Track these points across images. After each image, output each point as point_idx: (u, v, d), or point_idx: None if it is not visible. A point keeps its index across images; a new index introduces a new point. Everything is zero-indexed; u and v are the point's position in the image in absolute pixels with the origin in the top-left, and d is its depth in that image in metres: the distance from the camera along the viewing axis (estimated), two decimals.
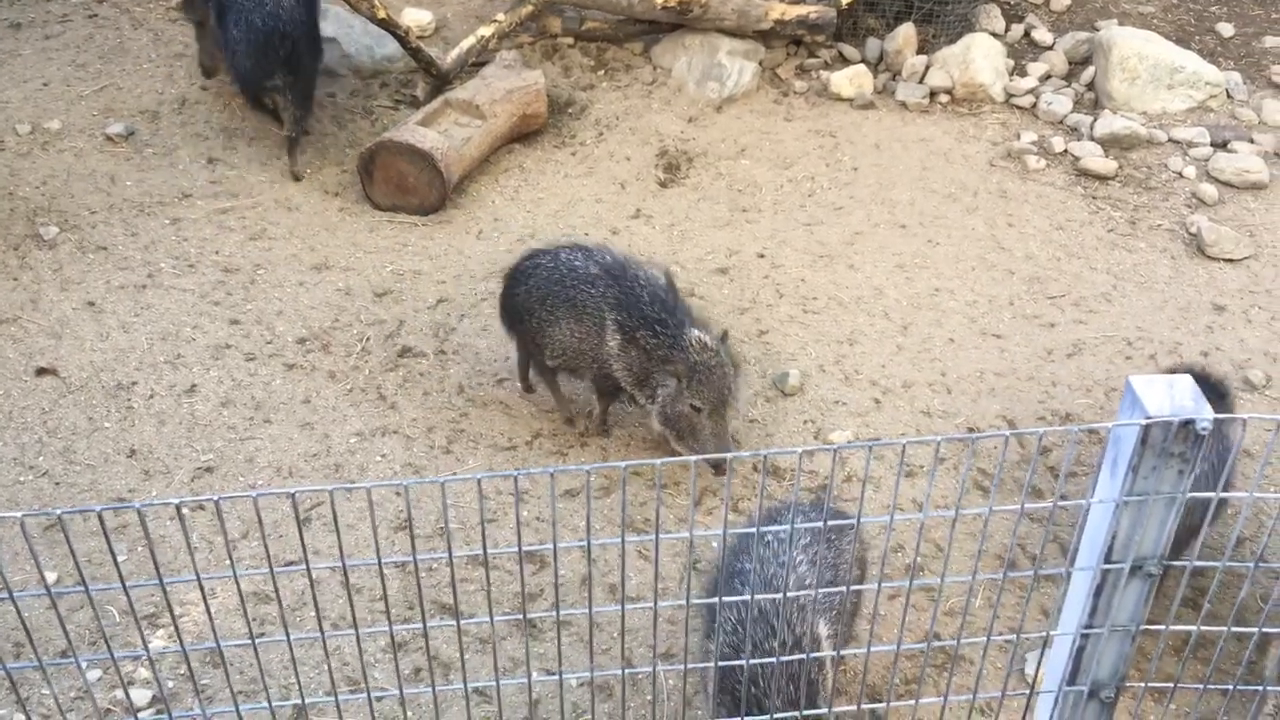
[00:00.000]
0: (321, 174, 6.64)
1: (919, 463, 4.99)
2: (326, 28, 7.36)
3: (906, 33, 7.66)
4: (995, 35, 7.85)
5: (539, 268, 4.99)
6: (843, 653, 3.49)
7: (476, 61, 7.29)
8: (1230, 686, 2.51)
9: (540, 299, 4.95)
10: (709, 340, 4.71)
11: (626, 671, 3.87)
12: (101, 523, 1.84)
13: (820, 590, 3.50)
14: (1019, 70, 7.70)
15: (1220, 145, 7.04)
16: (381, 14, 6.75)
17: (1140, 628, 2.24)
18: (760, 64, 7.59)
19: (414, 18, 7.74)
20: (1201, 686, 2.61)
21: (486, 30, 7.36)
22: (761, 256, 6.18)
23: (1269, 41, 8.09)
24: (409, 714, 3.93)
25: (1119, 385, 5.32)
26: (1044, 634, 2.39)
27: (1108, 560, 2.17)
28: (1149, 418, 2.02)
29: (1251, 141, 7.07)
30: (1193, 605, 4.32)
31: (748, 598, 3.20)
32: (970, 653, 4.17)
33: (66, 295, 5.67)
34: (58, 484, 4.73)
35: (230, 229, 6.17)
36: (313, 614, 4.22)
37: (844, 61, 7.74)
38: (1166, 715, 3.94)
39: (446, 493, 4.68)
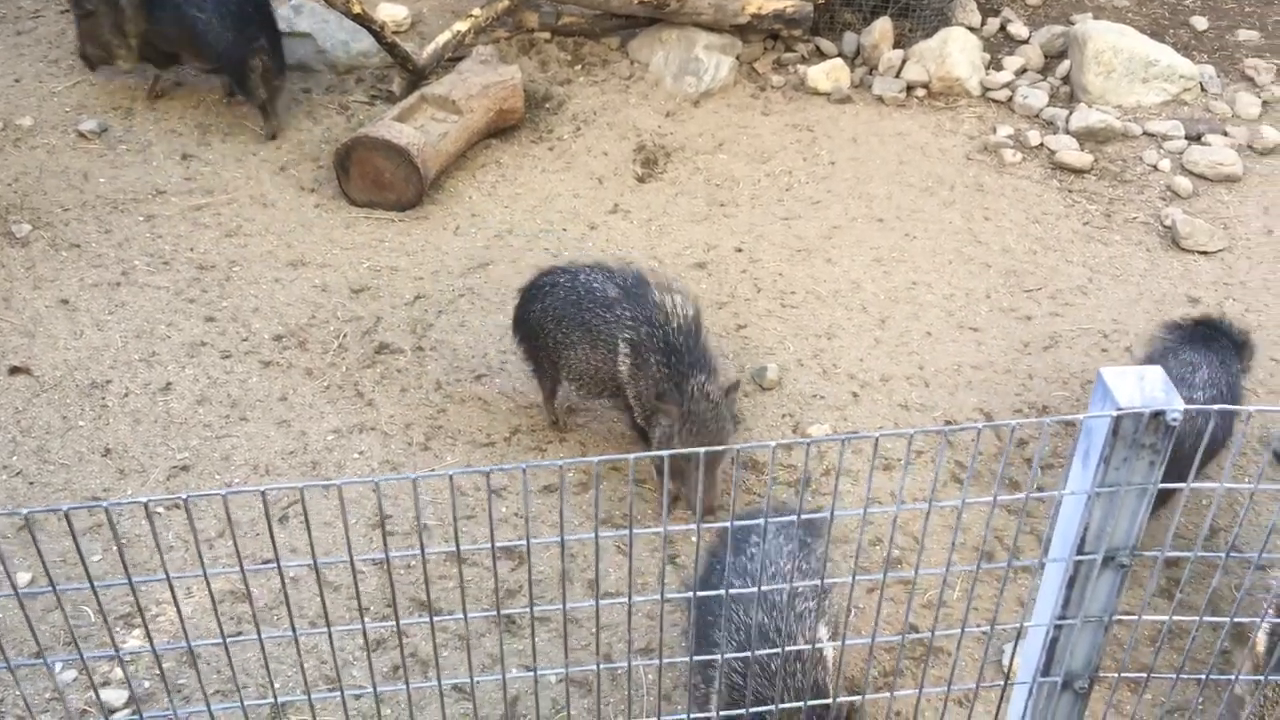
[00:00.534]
0: (297, 170, 6.61)
1: (896, 456, 5.00)
2: (301, 23, 7.34)
3: (883, 27, 7.68)
4: (971, 29, 7.88)
5: (556, 286, 4.85)
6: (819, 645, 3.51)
7: (453, 57, 7.26)
8: (1204, 676, 2.53)
9: (556, 319, 4.82)
10: (712, 391, 4.54)
11: (603, 667, 3.86)
12: (69, 522, 1.83)
13: (807, 590, 3.51)
14: (995, 64, 7.73)
15: (1194, 138, 7.09)
16: (356, 9, 6.72)
17: (1113, 618, 2.26)
18: (737, 58, 7.59)
19: (389, 12, 7.70)
20: (1175, 676, 2.63)
21: (462, 25, 7.34)
22: (739, 251, 6.19)
23: (1242, 35, 8.14)
24: (386, 712, 3.91)
25: (1095, 377, 5.34)
26: (1019, 625, 2.40)
27: (1080, 551, 2.18)
28: (1120, 409, 2.03)
29: (1225, 134, 7.12)
30: (1167, 595, 4.35)
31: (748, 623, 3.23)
32: (947, 644, 4.19)
33: (39, 293, 5.62)
34: (32, 484, 4.69)
35: (205, 226, 6.13)
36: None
37: (821, 56, 7.75)
38: (1141, 705, 3.97)
39: (425, 489, 4.68)
